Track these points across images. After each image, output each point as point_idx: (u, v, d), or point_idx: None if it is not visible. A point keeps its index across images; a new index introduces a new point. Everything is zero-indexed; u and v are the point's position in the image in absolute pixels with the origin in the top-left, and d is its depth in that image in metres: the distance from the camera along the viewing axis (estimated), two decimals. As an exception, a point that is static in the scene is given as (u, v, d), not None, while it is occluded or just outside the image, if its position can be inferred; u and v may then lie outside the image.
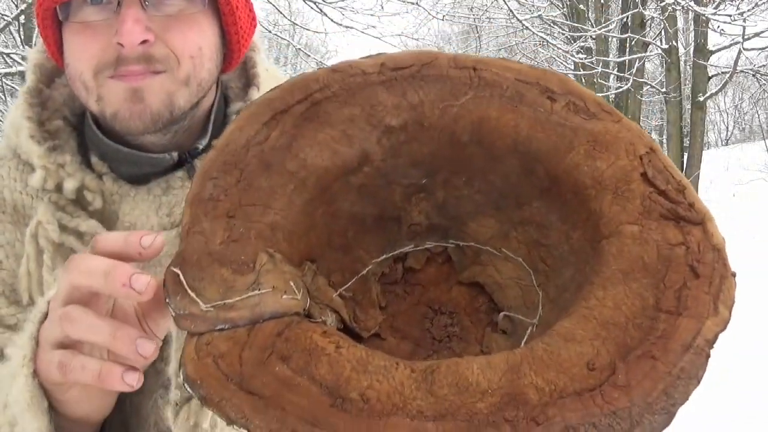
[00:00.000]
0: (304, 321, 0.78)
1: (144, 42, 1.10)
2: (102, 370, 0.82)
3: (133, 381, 0.83)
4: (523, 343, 0.85)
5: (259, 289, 0.77)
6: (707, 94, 14.75)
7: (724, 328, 0.73)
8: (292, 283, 0.80)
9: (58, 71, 1.30)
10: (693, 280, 0.75)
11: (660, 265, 0.77)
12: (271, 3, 11.10)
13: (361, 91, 0.90)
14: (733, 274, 0.76)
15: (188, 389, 0.73)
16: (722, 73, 15.19)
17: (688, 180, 0.83)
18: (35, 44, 1.45)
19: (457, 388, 0.70)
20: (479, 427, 0.67)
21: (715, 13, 11.18)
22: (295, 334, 0.75)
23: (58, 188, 1.20)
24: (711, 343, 0.71)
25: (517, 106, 0.89)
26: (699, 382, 0.69)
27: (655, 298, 0.75)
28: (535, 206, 0.90)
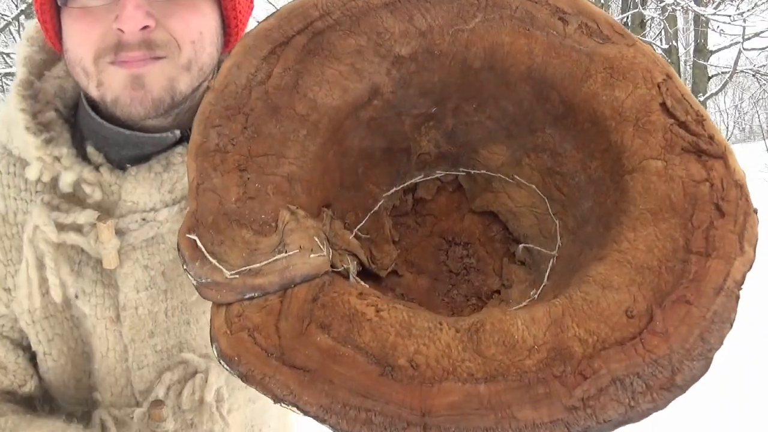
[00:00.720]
0: (337, 281, 0.76)
1: (145, 28, 1.06)
2: None
3: None
4: (546, 278, 0.86)
5: (286, 251, 0.74)
6: (707, 94, 14.35)
7: (750, 267, 0.75)
8: (316, 239, 0.77)
9: (48, 64, 1.27)
10: (719, 219, 0.76)
11: (687, 203, 0.77)
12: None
13: (365, 18, 0.84)
14: (755, 210, 0.78)
15: (225, 366, 0.71)
16: (722, 73, 14.76)
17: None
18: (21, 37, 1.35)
19: (504, 347, 0.71)
20: (530, 386, 0.68)
21: (715, 13, 10.94)
22: (331, 299, 0.74)
23: (53, 183, 1.17)
24: (740, 284, 0.73)
25: (530, 29, 0.84)
26: (731, 326, 0.72)
27: (684, 239, 0.75)
28: (549, 133, 0.88)
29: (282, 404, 0.69)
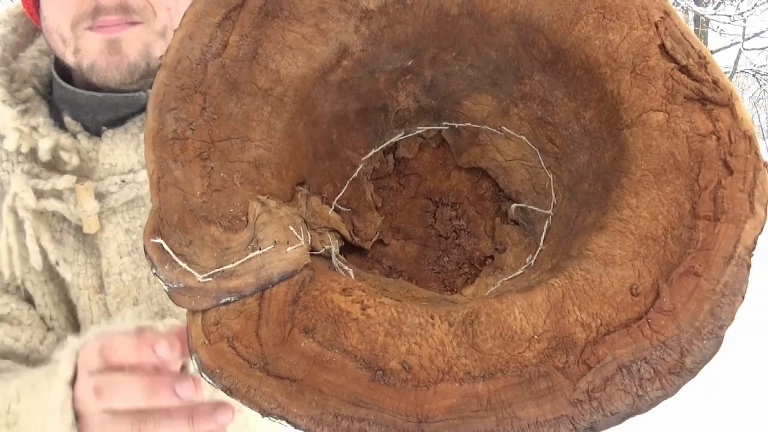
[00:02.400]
0: (318, 275, 0.70)
1: None
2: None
3: None
4: (542, 242, 0.80)
5: (260, 248, 0.68)
6: (707, 94, 13.81)
7: (762, 230, 0.69)
8: (292, 228, 0.71)
9: (22, 47, 1.30)
10: (727, 176, 0.69)
11: (692, 161, 0.70)
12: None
13: None
14: (766, 165, 0.71)
15: (207, 380, 0.67)
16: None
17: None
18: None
19: (502, 339, 0.66)
20: (531, 381, 0.64)
21: (715, 13, 10.34)
22: (313, 299, 0.68)
23: (33, 153, 1.16)
24: (751, 250, 0.68)
25: None
26: (743, 299, 0.67)
27: (691, 203, 0.69)
28: (537, 80, 0.80)
29: (270, 418, 0.65)
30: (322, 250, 0.76)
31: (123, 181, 1.14)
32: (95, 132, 1.18)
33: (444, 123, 0.86)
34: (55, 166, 1.18)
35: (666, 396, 0.64)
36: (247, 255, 0.68)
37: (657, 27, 0.74)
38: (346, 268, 0.75)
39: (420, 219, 0.88)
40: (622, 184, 0.72)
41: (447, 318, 0.68)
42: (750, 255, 0.68)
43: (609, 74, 0.74)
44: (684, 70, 0.73)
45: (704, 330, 0.65)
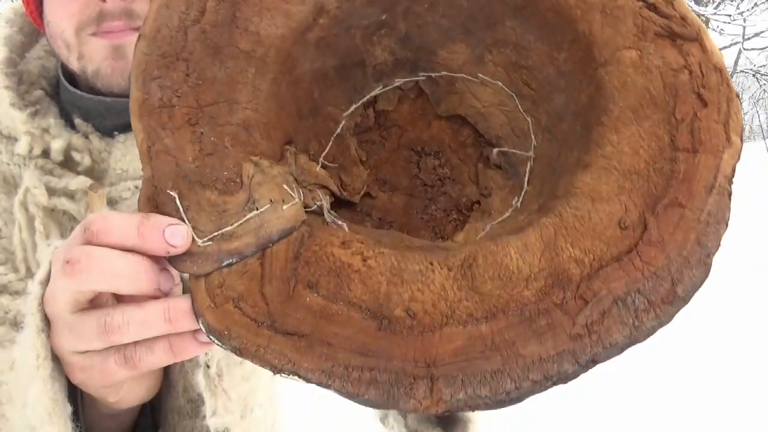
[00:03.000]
0: (316, 231, 0.71)
1: None
2: (172, 342, 0.72)
3: (205, 344, 0.73)
4: (525, 182, 0.82)
5: (257, 208, 0.69)
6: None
7: (739, 158, 0.72)
8: (285, 186, 0.71)
9: (27, 46, 1.28)
10: (702, 109, 0.72)
11: (667, 96, 0.73)
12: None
13: None
14: (737, 95, 0.74)
15: (216, 341, 0.67)
16: (722, 72, 13.85)
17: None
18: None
19: (501, 280, 0.68)
20: (531, 319, 0.67)
21: (715, 13, 10.45)
22: (314, 254, 0.70)
23: (45, 154, 1.13)
24: (730, 179, 0.71)
25: None
26: (727, 226, 0.70)
27: (670, 136, 0.72)
28: (509, 26, 0.81)
29: (282, 374, 0.66)
30: (314, 207, 0.77)
31: (136, 187, 1.12)
32: (107, 134, 1.17)
33: (421, 74, 0.86)
34: (67, 165, 1.15)
35: (661, 324, 0.67)
36: (245, 216, 0.69)
37: None
38: (339, 222, 0.77)
39: (404, 170, 0.89)
40: (602, 122, 0.74)
41: (446, 263, 0.69)
42: (730, 183, 0.71)
43: (579, 15, 0.76)
44: (651, 8, 0.75)
45: (692, 258, 0.68)
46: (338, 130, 0.84)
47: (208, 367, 1.03)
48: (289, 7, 0.74)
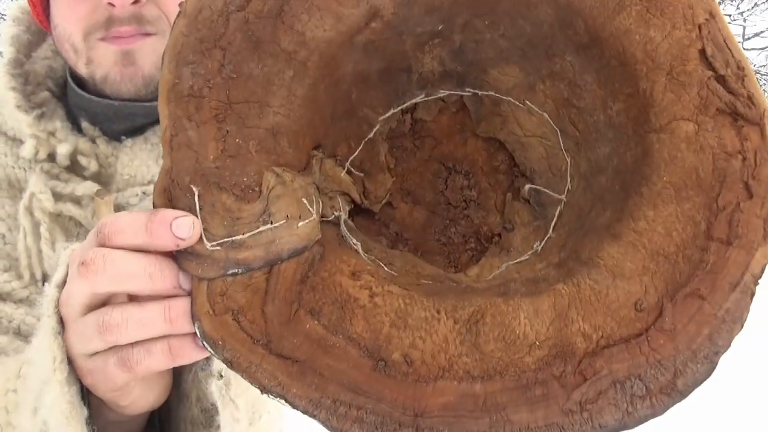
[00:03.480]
0: (328, 254, 0.70)
1: (136, 2, 1.04)
2: (171, 345, 0.70)
3: (205, 349, 0.70)
4: (551, 228, 0.80)
5: (272, 222, 0.67)
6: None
7: None
8: (305, 200, 0.69)
9: (34, 45, 1.25)
10: (746, 200, 0.69)
11: (714, 180, 0.69)
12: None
13: None
14: None
15: (209, 349, 0.67)
16: (722, 72, 13.05)
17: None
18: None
19: (505, 342, 0.67)
20: (528, 386, 0.66)
21: None
22: (321, 281, 0.68)
23: (51, 158, 1.11)
24: (757, 278, 0.68)
25: None
26: (742, 327, 0.68)
27: (707, 223, 0.69)
28: (569, 60, 0.77)
29: (269, 395, 0.66)
30: (332, 217, 0.75)
31: (144, 193, 1.10)
32: (114, 138, 1.14)
33: (467, 89, 0.82)
34: (73, 170, 1.13)
35: (654, 415, 0.67)
36: (258, 228, 0.67)
37: (700, 30, 0.70)
38: (354, 241, 0.75)
39: (431, 183, 0.86)
40: (641, 193, 0.71)
41: (453, 314, 0.68)
42: (755, 283, 0.69)
43: (644, 72, 0.71)
44: (721, 80, 0.70)
45: (700, 354, 0.67)
46: (371, 135, 0.81)
47: (221, 376, 1.03)
48: (341, 10, 0.69)
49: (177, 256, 0.68)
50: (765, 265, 0.69)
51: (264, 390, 0.66)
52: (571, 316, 0.68)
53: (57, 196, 1.10)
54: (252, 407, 1.36)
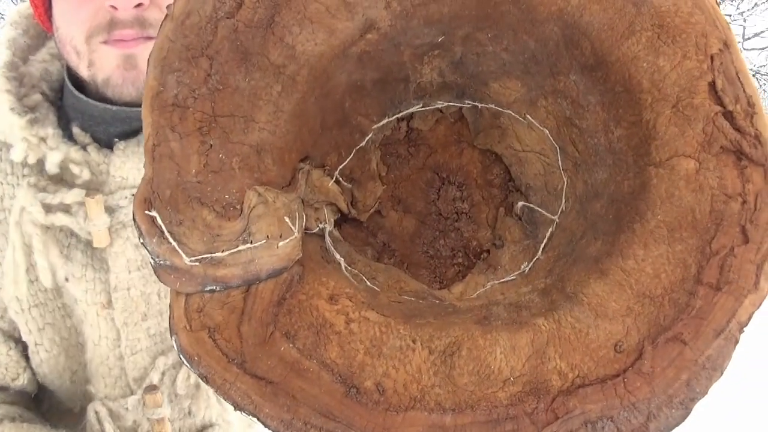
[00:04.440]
0: (307, 276, 0.69)
1: (138, 5, 1.03)
2: None
3: None
4: (540, 250, 0.78)
5: (251, 242, 0.66)
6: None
7: (759, 307, 0.68)
8: (287, 219, 0.68)
9: (33, 49, 1.23)
10: (741, 245, 0.67)
11: (711, 222, 0.67)
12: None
13: None
14: None
15: (185, 363, 0.67)
16: (722, 72, 12.32)
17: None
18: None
19: (478, 377, 0.67)
20: (498, 422, 0.66)
21: None
22: (298, 304, 0.68)
23: (40, 166, 1.10)
24: (743, 326, 0.67)
25: None
26: (721, 375, 0.67)
27: (697, 267, 0.67)
28: (573, 80, 0.73)
29: (243, 413, 0.67)
30: (317, 229, 0.74)
31: (133, 195, 1.07)
32: (105, 143, 1.13)
33: (467, 101, 0.79)
34: (62, 178, 1.12)
35: None
36: (237, 247, 0.66)
37: (712, 60, 0.67)
38: (338, 256, 0.74)
39: (423, 193, 0.84)
40: (634, 229, 0.69)
41: (429, 344, 0.68)
42: (740, 332, 0.67)
43: (649, 102, 0.68)
44: (728, 116, 0.67)
45: (676, 399, 0.66)
46: (363, 143, 0.79)
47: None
48: (334, 23, 0.66)
49: (156, 269, 0.67)
50: (752, 313, 0.67)
51: (237, 407, 0.66)
52: (548, 354, 0.67)
53: (47, 208, 1.09)
54: None
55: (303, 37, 0.66)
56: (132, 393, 1.20)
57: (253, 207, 0.66)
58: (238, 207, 0.67)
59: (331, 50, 0.68)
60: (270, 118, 0.67)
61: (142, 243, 0.67)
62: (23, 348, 1.22)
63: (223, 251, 0.66)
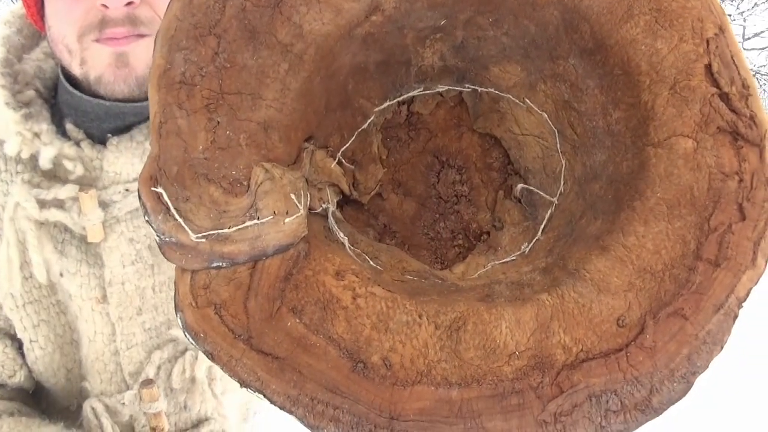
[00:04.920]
0: (313, 252, 0.69)
1: (129, 3, 1.04)
2: None
3: None
4: (540, 231, 0.79)
5: (258, 217, 0.67)
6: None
7: (757, 282, 0.69)
8: (293, 196, 0.68)
9: (27, 48, 1.25)
10: (738, 222, 0.68)
11: (708, 200, 0.69)
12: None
13: None
14: None
15: (190, 340, 0.67)
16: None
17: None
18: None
19: (484, 351, 0.67)
20: (504, 395, 0.67)
21: None
22: (305, 279, 0.68)
23: (33, 162, 1.11)
24: (741, 301, 0.68)
25: None
26: (722, 349, 0.68)
27: (696, 243, 0.68)
28: (572, 64, 0.75)
29: (248, 390, 0.67)
30: (320, 209, 0.74)
31: (127, 190, 1.11)
32: (99, 139, 1.14)
33: (467, 85, 0.81)
34: (55, 174, 1.13)
35: (627, 430, 0.67)
36: (244, 222, 0.66)
37: (708, 44, 0.69)
38: (342, 235, 0.74)
39: (423, 176, 0.85)
40: (634, 207, 0.70)
41: (435, 320, 0.68)
42: (739, 307, 0.69)
43: (647, 84, 0.70)
44: (724, 98, 0.69)
45: (677, 373, 0.67)
46: (365, 125, 0.80)
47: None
48: (341, 3, 0.67)
49: (161, 246, 0.67)
50: (750, 289, 0.69)
51: (243, 384, 0.66)
52: (552, 328, 0.68)
53: (41, 203, 1.10)
54: (246, 404, 1.38)
55: (310, 16, 0.67)
56: (128, 388, 1.20)
57: (260, 183, 0.67)
58: (245, 183, 0.67)
59: (337, 30, 0.69)
60: (277, 95, 0.68)
61: (147, 221, 0.68)
62: (19, 345, 1.21)
63: (229, 227, 0.66)
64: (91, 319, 1.15)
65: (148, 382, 1.12)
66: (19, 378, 1.22)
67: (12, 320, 1.17)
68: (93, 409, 1.18)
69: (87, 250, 1.13)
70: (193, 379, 1.21)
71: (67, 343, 1.21)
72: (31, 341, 1.18)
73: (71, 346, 1.21)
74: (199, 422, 1.27)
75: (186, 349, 1.20)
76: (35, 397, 1.28)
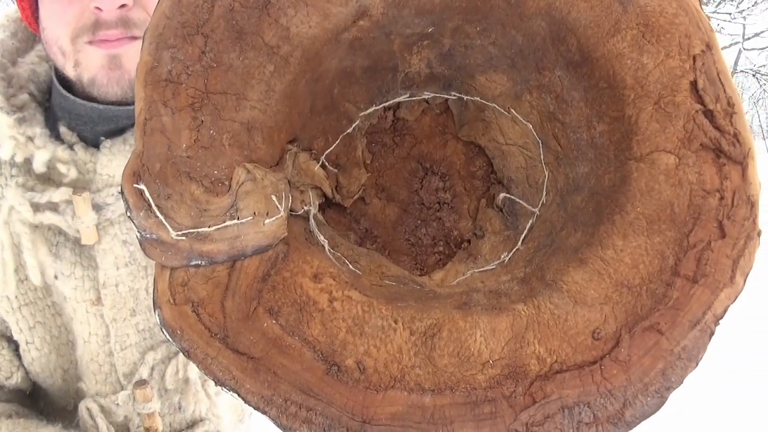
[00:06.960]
0: (292, 254, 0.69)
1: (122, 6, 1.05)
2: None
3: None
4: (520, 241, 0.79)
5: (238, 217, 0.67)
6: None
7: (735, 300, 0.69)
8: (274, 197, 0.69)
9: (21, 52, 1.25)
10: (718, 239, 0.69)
11: (688, 217, 0.69)
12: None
13: None
14: (759, 233, 0.70)
15: (167, 336, 0.67)
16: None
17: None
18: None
19: (458, 359, 0.68)
20: (476, 404, 0.67)
21: (715, 12, 10.18)
22: (282, 281, 0.68)
23: (27, 166, 1.12)
24: (718, 319, 0.69)
25: None
26: (697, 365, 0.69)
27: (675, 259, 0.69)
28: (558, 75, 0.75)
29: (223, 388, 0.67)
30: (302, 211, 0.74)
31: (120, 193, 1.09)
32: (92, 142, 1.14)
33: (453, 93, 0.81)
34: (49, 177, 1.13)
35: None
36: (224, 222, 0.67)
37: (695, 61, 0.69)
38: (322, 238, 0.75)
39: (406, 182, 0.85)
40: (614, 220, 0.70)
41: (410, 325, 0.68)
42: (716, 324, 0.69)
43: (632, 98, 0.70)
44: (708, 115, 0.69)
45: (651, 387, 0.67)
46: (350, 130, 0.80)
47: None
48: (329, 7, 0.68)
49: (141, 242, 0.68)
50: (728, 307, 0.69)
51: (218, 383, 0.66)
52: (527, 338, 0.68)
53: (35, 207, 1.10)
54: (241, 405, 1.38)
55: (297, 19, 0.67)
56: (122, 389, 1.21)
57: (242, 183, 0.67)
58: (227, 183, 0.67)
59: (324, 34, 0.69)
60: (261, 97, 0.68)
61: (129, 216, 0.68)
62: (15, 347, 1.21)
63: (209, 226, 0.67)
64: (85, 320, 1.16)
65: (141, 383, 1.12)
66: (17, 379, 1.22)
67: (8, 322, 1.18)
68: (88, 409, 1.19)
69: (81, 252, 1.13)
70: (186, 380, 1.22)
71: (62, 345, 1.22)
72: (27, 343, 1.18)
73: (66, 347, 1.22)
74: (193, 423, 1.28)
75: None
76: (33, 398, 1.28)
